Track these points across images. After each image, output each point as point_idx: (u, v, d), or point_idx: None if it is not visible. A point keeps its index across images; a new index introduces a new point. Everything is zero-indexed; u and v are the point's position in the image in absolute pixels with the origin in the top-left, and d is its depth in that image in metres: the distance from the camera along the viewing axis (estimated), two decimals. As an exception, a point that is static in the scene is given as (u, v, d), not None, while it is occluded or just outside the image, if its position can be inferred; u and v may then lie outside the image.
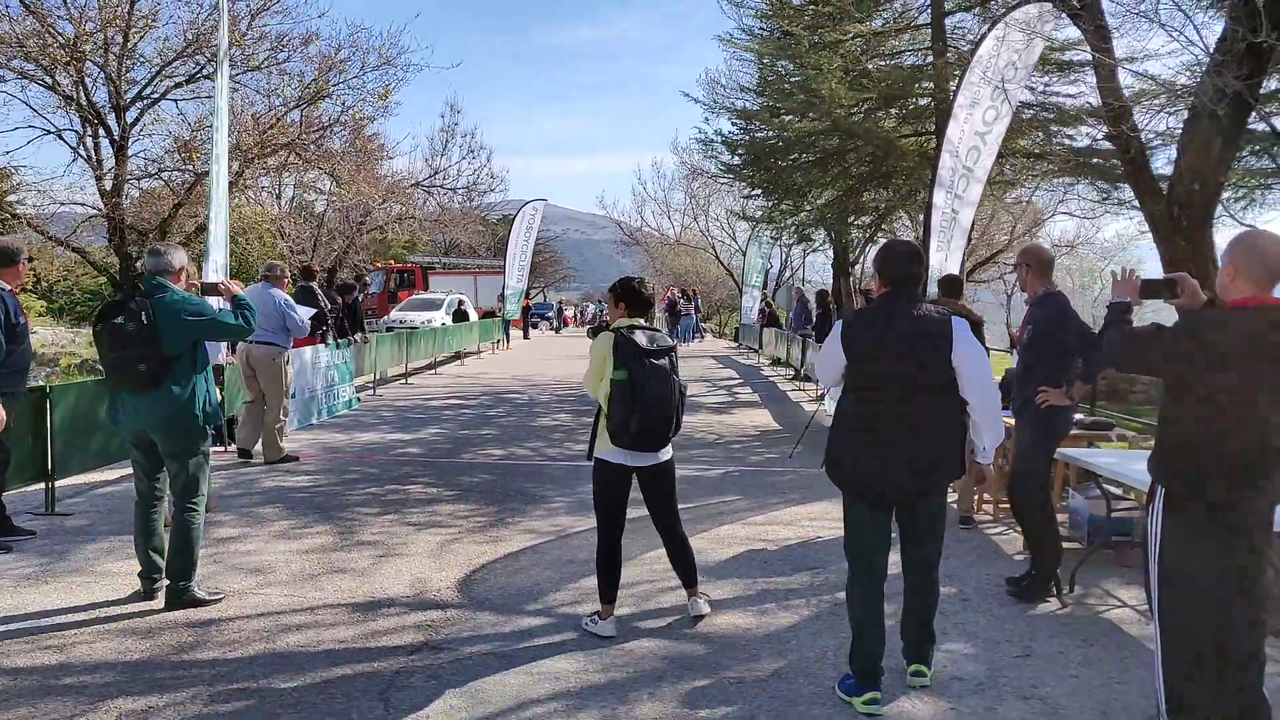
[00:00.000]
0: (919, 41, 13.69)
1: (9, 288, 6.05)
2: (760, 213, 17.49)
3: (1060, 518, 6.22)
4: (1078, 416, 6.64)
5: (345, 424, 11.81)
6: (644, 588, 5.53)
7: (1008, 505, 7.06)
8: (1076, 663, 4.49)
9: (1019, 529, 6.03)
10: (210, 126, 20.34)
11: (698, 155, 43.86)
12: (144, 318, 4.72)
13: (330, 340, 12.54)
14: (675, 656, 4.51)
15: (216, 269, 9.79)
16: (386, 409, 13.46)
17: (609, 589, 4.79)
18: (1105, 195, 12.00)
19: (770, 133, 14.28)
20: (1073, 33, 9.15)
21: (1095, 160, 11.66)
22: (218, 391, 5.16)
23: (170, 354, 4.81)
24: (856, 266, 23.68)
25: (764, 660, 4.49)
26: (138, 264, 20.63)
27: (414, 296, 32.00)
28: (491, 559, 6.09)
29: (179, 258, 5.09)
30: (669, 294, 41.90)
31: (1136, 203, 14.04)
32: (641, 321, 4.83)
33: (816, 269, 44.49)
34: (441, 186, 29.99)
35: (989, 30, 8.66)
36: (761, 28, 16.74)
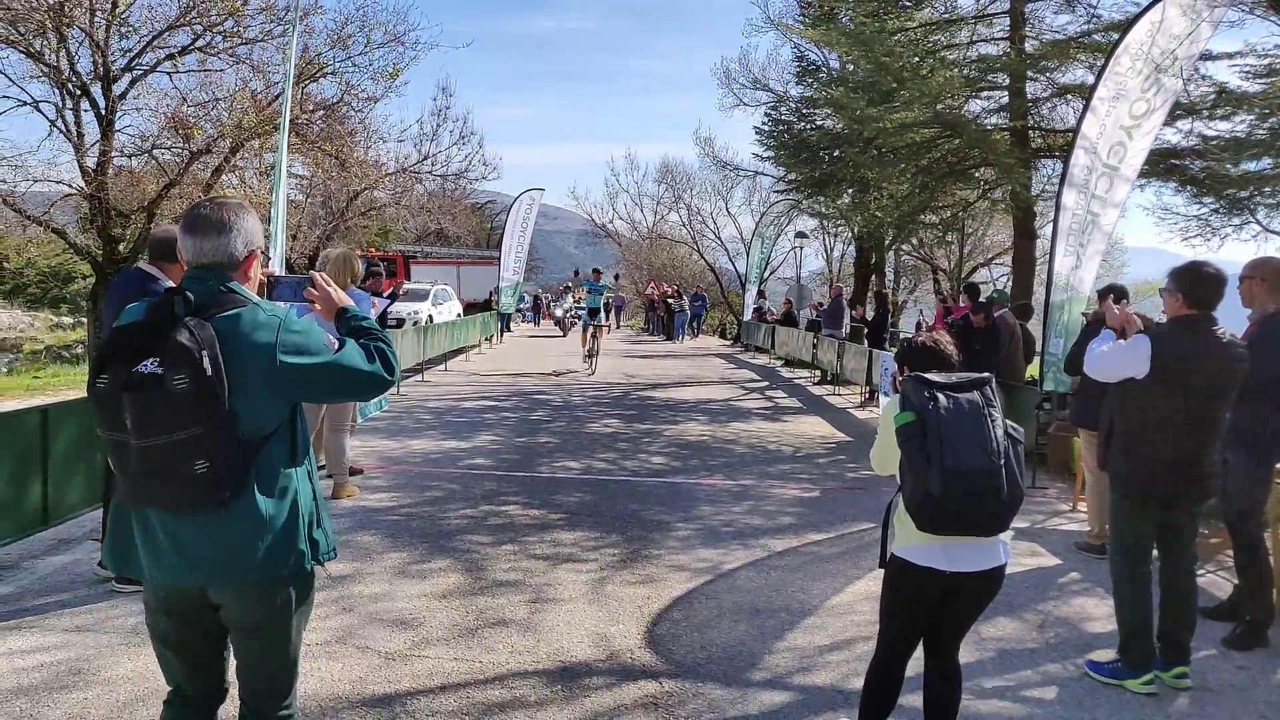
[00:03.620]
0: (989, 33, 13.01)
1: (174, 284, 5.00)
2: (817, 207, 16.67)
3: None
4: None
5: (387, 429, 10.79)
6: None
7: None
8: None
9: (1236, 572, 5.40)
10: (211, 100, 19.01)
11: (734, 148, 43.11)
12: (205, 364, 2.35)
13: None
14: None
15: (277, 266, 8.70)
16: (421, 411, 12.44)
17: None
18: (1194, 197, 11.48)
19: (826, 127, 13.55)
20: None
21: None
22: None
23: (253, 435, 2.48)
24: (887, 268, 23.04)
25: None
26: (119, 247, 19.25)
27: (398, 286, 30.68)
28: (662, 607, 5.22)
29: (250, 228, 2.63)
30: (650, 288, 40.87)
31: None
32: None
33: (806, 266, 43.97)
34: (431, 173, 28.68)
35: (1143, 13, 7.94)
36: (801, 16, 15.98)
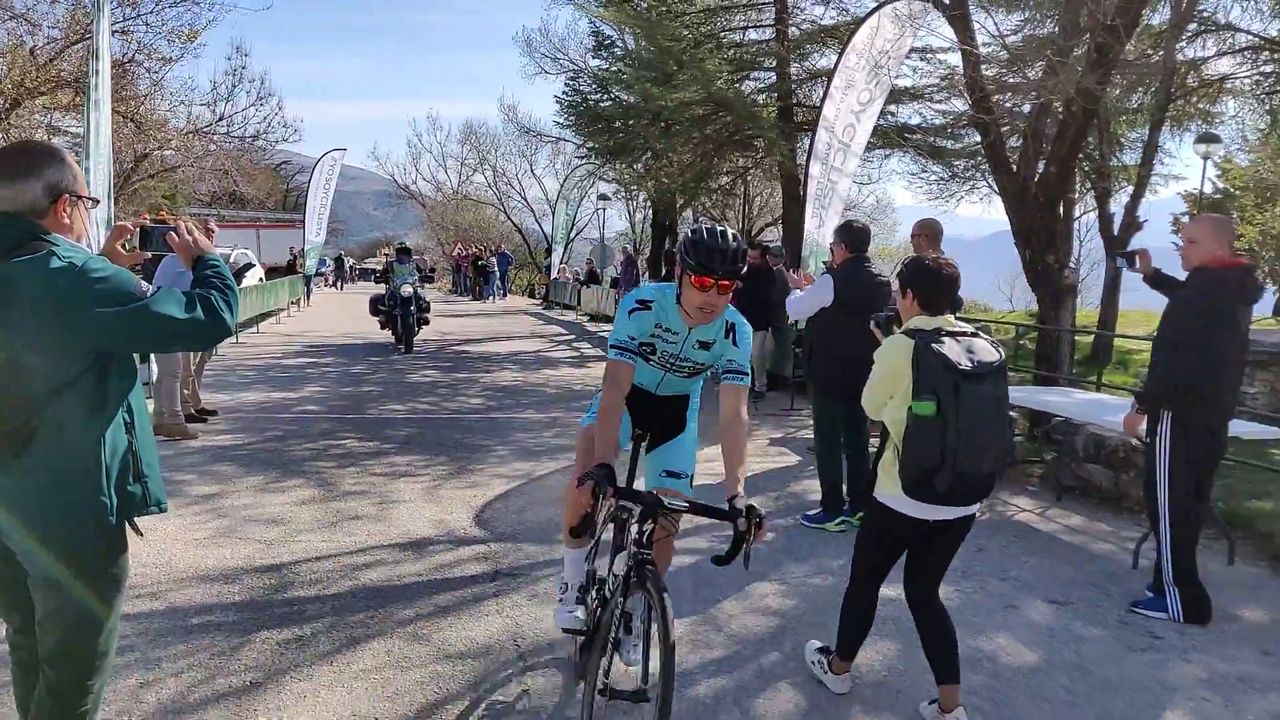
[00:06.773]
0: (760, 18, 14.78)
1: None
2: (614, 174, 18.08)
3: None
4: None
5: (214, 384, 11.35)
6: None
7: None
8: (1024, 552, 5.66)
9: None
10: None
11: (539, 113, 43.41)
12: None
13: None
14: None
15: (98, 227, 9.13)
16: (243, 368, 13.02)
17: (851, 645, 3.70)
18: (924, 169, 13.75)
19: (621, 98, 14.95)
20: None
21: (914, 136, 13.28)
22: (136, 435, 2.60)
23: (40, 387, 2.38)
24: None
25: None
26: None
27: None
28: (485, 500, 6.53)
29: (52, 174, 2.47)
30: (457, 249, 41.50)
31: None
32: (953, 322, 3.37)
33: (611, 226, 45.57)
34: (228, 134, 28.06)
35: (865, 19, 9.76)
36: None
